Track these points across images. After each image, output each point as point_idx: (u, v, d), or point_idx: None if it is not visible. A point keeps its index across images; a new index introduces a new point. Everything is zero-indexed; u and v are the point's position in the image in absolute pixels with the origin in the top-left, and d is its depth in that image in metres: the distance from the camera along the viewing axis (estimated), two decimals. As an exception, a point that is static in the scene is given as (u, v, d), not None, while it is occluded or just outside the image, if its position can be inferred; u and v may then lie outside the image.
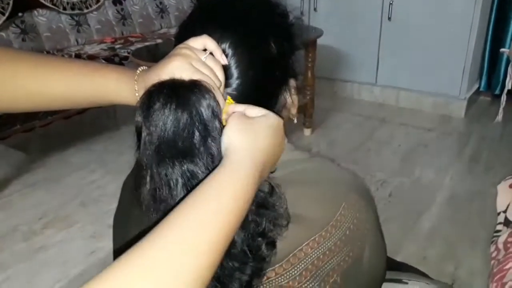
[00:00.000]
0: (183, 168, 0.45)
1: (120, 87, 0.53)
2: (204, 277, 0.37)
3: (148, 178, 0.46)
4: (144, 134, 0.46)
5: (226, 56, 0.50)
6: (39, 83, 0.53)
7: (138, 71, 0.53)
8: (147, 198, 0.47)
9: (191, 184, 0.45)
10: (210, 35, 0.50)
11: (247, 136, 0.46)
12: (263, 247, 0.46)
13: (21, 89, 0.53)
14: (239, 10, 0.54)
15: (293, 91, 0.59)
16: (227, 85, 0.50)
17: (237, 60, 0.51)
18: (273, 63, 0.54)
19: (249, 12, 0.54)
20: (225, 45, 0.51)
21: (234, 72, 0.51)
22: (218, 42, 0.50)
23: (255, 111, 0.49)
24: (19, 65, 0.53)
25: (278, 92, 0.57)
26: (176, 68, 0.46)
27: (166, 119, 0.44)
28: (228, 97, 0.49)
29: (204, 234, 0.38)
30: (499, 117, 2.80)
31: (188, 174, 0.45)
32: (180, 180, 0.45)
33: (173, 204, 0.43)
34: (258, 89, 0.53)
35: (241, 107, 0.49)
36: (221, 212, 0.39)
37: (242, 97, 0.51)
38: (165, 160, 0.45)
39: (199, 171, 0.45)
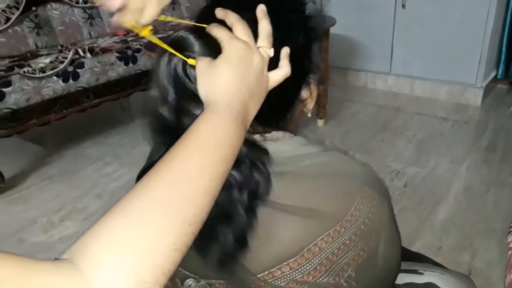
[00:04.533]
0: None
1: None
2: (201, 206, 0.38)
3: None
4: None
5: None
6: None
7: None
8: None
9: None
10: None
11: (212, 84, 0.46)
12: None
13: None
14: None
15: (312, 85, 0.58)
16: None
17: None
18: (300, 53, 0.54)
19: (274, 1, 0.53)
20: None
21: None
22: None
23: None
24: None
25: (301, 85, 0.57)
26: None
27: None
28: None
29: (189, 186, 0.39)
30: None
31: None
32: None
33: None
34: (284, 80, 0.52)
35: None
36: (205, 163, 0.40)
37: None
38: None
39: None
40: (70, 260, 0.33)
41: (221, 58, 0.47)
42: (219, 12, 0.50)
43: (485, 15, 2.76)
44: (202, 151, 0.41)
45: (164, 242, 0.35)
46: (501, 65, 3.14)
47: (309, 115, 0.62)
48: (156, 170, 0.40)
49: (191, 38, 0.49)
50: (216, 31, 0.49)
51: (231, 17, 0.50)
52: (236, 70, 0.46)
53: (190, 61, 0.48)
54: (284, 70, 0.51)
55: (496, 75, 3.18)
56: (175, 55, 0.49)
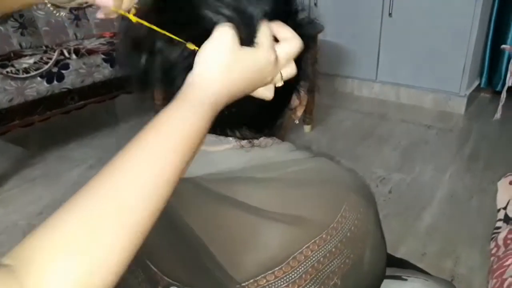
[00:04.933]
0: None
1: None
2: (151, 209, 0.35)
3: None
4: None
5: None
6: None
7: None
8: None
9: None
10: None
11: (223, 72, 0.41)
12: None
13: None
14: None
15: (302, 92, 0.58)
16: None
17: None
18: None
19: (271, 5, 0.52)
20: None
21: None
22: None
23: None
24: None
25: (292, 92, 0.56)
26: None
27: None
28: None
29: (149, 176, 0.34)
30: (498, 114, 2.79)
31: None
32: None
33: None
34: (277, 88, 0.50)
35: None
36: (168, 154, 0.36)
37: None
38: None
39: None
40: (12, 267, 0.30)
41: (253, 49, 0.43)
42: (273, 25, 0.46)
43: (469, 25, 2.81)
44: (177, 156, 0.36)
45: (116, 255, 0.32)
46: (484, 74, 3.20)
47: (297, 121, 0.61)
48: (120, 162, 0.35)
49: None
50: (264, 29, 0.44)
51: (288, 32, 0.46)
52: (256, 72, 0.43)
53: (190, 45, 0.44)
54: (269, 94, 0.48)
55: (479, 84, 3.23)
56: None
